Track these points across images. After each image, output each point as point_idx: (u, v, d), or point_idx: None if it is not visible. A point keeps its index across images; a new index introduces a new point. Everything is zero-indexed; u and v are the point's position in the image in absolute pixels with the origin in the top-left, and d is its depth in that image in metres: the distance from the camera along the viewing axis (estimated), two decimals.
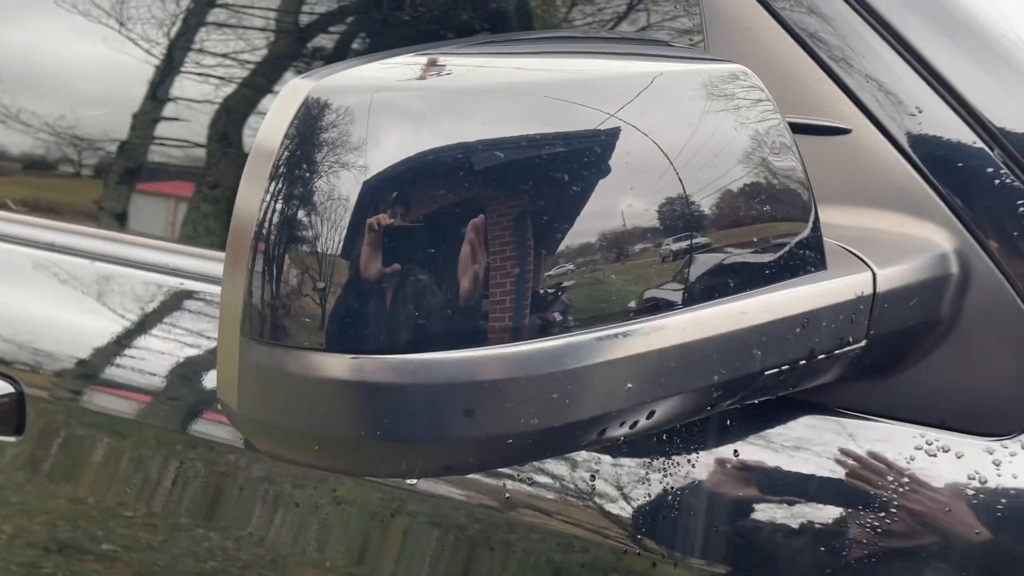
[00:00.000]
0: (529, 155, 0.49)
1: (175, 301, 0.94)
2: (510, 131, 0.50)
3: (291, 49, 1.03)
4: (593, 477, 0.71)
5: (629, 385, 0.49)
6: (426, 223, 0.47)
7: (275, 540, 0.82)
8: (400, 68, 0.51)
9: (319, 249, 0.45)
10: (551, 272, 0.48)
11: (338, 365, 0.44)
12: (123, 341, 0.95)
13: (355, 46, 1.00)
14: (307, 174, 0.47)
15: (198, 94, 1.04)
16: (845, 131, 0.69)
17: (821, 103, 0.69)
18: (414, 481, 0.69)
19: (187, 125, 1.03)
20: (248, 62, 1.02)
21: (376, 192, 0.47)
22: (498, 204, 0.48)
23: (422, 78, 0.51)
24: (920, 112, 0.67)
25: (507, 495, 0.72)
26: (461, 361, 0.45)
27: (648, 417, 0.51)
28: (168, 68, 1.06)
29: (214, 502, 0.86)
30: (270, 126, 0.47)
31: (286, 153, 0.47)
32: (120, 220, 1.06)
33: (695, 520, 0.68)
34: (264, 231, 0.46)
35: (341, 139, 0.47)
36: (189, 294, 0.93)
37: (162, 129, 1.06)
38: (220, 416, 0.87)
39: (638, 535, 0.69)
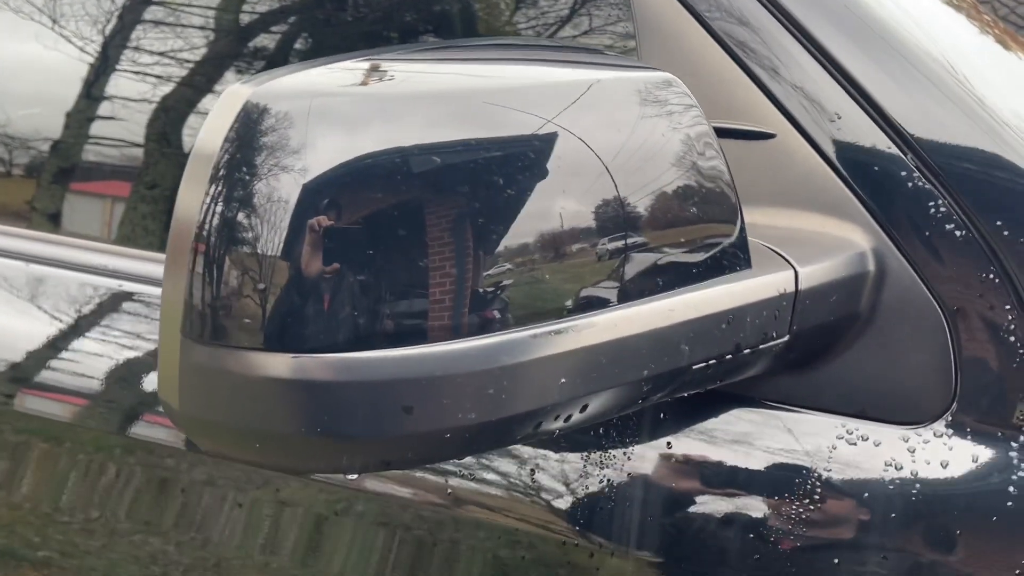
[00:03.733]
0: (466, 158, 0.51)
1: (112, 303, 0.94)
2: (447, 135, 0.52)
3: (231, 48, 1.03)
4: (534, 472, 0.73)
5: (563, 380, 0.51)
6: (364, 224, 0.48)
7: (219, 543, 0.82)
8: (340, 73, 0.53)
9: (259, 250, 0.46)
10: (488, 272, 0.50)
11: (278, 364, 0.45)
12: (58, 343, 0.94)
13: (297, 46, 1.00)
14: (247, 177, 0.48)
15: (135, 93, 1.03)
16: (770, 136, 0.72)
17: (748, 108, 0.72)
18: (354, 476, 0.70)
19: (124, 124, 1.02)
20: (186, 61, 1.02)
21: (315, 194, 0.48)
22: (435, 206, 0.50)
23: (363, 83, 0.52)
24: (839, 118, 0.71)
25: (450, 491, 0.73)
26: (399, 359, 0.46)
27: (582, 411, 0.53)
28: (103, 66, 1.05)
29: (155, 505, 0.86)
30: (210, 131, 0.48)
31: (226, 156, 0.48)
32: (54, 221, 1.04)
33: (631, 511, 0.71)
34: (204, 233, 0.47)
35: (280, 143, 0.48)
36: (127, 295, 0.92)
37: (98, 128, 1.05)
38: (159, 418, 0.87)
39: (578, 527, 0.71)
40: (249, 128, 0.48)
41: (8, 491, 0.94)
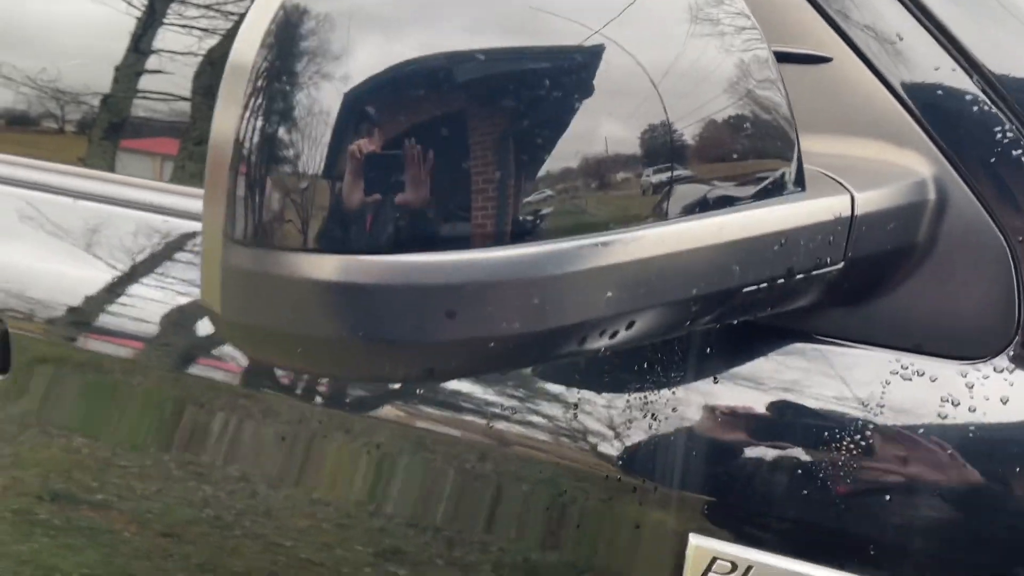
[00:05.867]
0: (513, 67, 0.50)
1: (165, 242, 0.94)
2: (491, 41, 0.50)
3: None
4: (576, 406, 0.72)
5: (609, 294, 0.50)
6: (408, 129, 0.47)
7: (269, 487, 0.83)
8: None
9: (303, 151, 0.46)
10: (535, 181, 0.49)
11: (321, 265, 0.45)
12: (112, 281, 0.94)
13: None
14: (287, 83, 0.47)
15: (181, 46, 1.03)
16: (826, 59, 0.69)
17: (803, 31, 0.70)
18: (397, 385, 0.70)
19: (171, 76, 1.02)
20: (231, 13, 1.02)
21: (359, 98, 0.47)
22: (481, 113, 0.49)
23: None
24: (900, 40, 0.68)
25: (493, 427, 0.73)
26: (444, 263, 0.45)
27: (628, 328, 0.52)
28: (149, 21, 1.05)
29: (208, 450, 0.87)
30: (246, 35, 0.47)
31: (264, 64, 0.47)
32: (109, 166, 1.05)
33: (677, 447, 0.69)
34: (247, 132, 0.46)
35: (321, 48, 0.47)
36: (180, 234, 0.93)
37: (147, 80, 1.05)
38: (214, 361, 0.87)
39: (621, 463, 0.70)
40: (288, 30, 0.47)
41: (66, 437, 0.96)
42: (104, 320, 0.94)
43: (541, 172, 0.49)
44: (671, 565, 0.68)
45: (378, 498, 0.78)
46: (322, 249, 0.45)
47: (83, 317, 0.94)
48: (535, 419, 0.73)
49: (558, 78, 0.51)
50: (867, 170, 0.66)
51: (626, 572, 0.71)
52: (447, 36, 0.49)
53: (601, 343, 0.52)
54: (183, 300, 0.90)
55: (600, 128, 0.52)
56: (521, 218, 0.48)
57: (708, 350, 0.70)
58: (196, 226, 0.91)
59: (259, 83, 0.46)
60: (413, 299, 0.45)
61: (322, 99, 0.46)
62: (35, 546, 1.00)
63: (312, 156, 0.45)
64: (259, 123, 0.46)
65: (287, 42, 0.46)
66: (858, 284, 0.66)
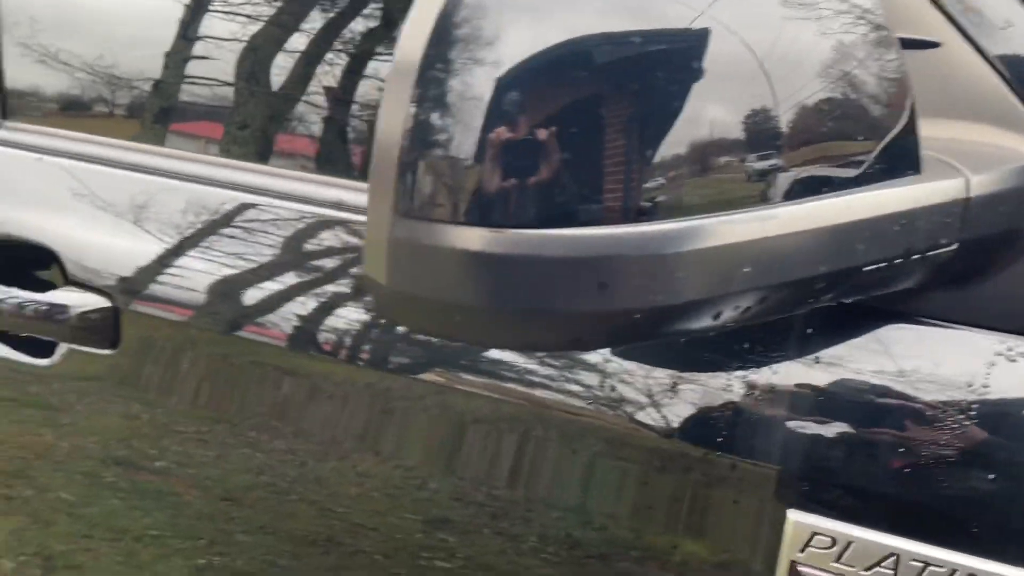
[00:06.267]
0: (658, 45, 0.51)
1: (220, 220, 0.97)
2: (623, 22, 0.52)
3: None
4: (674, 385, 0.74)
5: (746, 269, 0.51)
6: (558, 108, 0.49)
7: (325, 454, 0.86)
8: None
9: (462, 132, 0.48)
10: (679, 157, 0.50)
11: (477, 238, 0.47)
12: (165, 259, 0.97)
13: None
14: (447, 64, 0.49)
15: (227, 32, 1.05)
16: (935, 45, 0.70)
17: (912, 17, 0.70)
18: (542, 354, 0.72)
19: (215, 63, 1.04)
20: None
21: (509, 83, 0.49)
22: (624, 92, 0.50)
23: None
24: (1009, 27, 0.69)
25: (591, 403, 0.75)
26: (599, 237, 0.47)
27: (760, 303, 0.54)
28: (198, 9, 1.07)
29: (267, 418, 0.89)
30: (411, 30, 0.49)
31: (428, 53, 0.49)
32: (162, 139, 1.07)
33: (776, 424, 0.71)
34: (414, 118, 0.48)
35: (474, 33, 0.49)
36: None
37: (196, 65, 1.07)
38: (264, 329, 0.90)
39: (720, 439, 0.72)
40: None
41: (125, 404, 0.99)
42: (200, 298, 0.96)
43: (684, 150, 0.51)
44: (768, 541, 0.69)
45: (425, 468, 0.80)
46: (480, 222, 0.47)
47: (188, 297, 0.97)
48: (628, 395, 0.74)
49: (698, 58, 0.52)
50: (979, 153, 0.67)
51: (721, 548, 0.72)
52: (588, 20, 0.51)
53: (733, 316, 0.54)
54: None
55: (738, 108, 0.53)
56: (661, 193, 0.50)
57: (809, 331, 0.71)
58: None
59: (423, 73, 0.49)
60: (568, 270, 0.47)
61: (475, 84, 0.48)
62: (105, 508, 1.04)
63: (468, 137, 0.48)
64: (423, 110, 0.48)
65: (446, 33, 0.49)
66: (966, 266, 0.67)
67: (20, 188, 1.07)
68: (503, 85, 0.48)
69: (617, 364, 0.75)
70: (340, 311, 0.87)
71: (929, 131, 0.69)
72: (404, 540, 0.83)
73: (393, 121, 0.48)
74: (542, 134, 0.48)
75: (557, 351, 0.71)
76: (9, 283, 1.03)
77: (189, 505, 0.97)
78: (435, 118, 0.48)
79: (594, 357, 0.75)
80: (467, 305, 0.48)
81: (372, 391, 0.83)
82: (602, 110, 0.50)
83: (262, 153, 1.00)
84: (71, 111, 1.12)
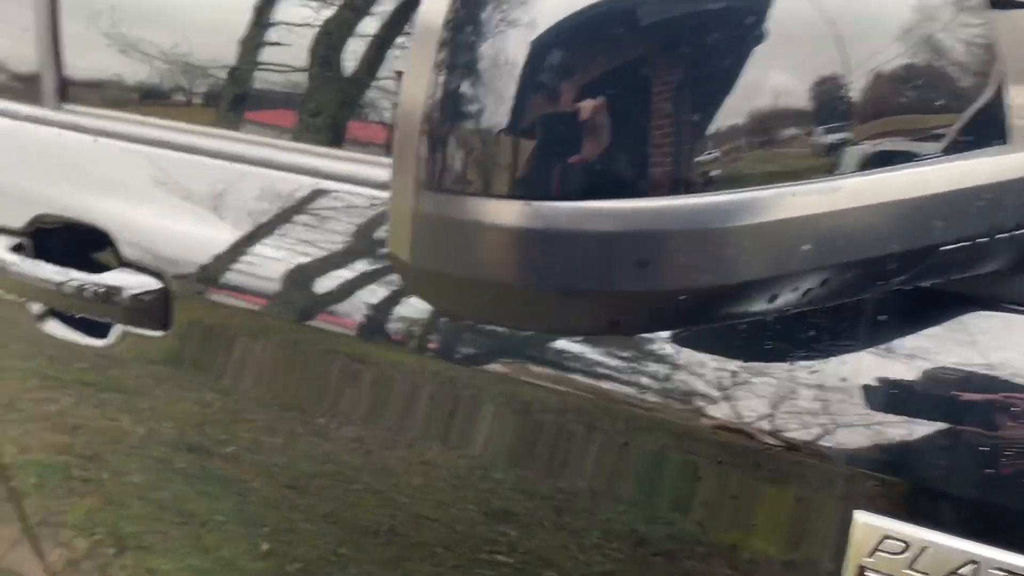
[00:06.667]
0: (704, 6, 0.47)
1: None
2: None
3: None
4: (734, 374, 0.69)
5: (806, 247, 0.47)
6: (596, 74, 0.45)
7: (384, 448, 0.85)
8: None
9: (493, 99, 0.45)
10: (728, 125, 0.46)
11: (510, 211, 0.44)
12: (240, 247, 0.97)
13: None
14: (475, 26, 0.46)
15: (299, 18, 1.04)
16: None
17: None
18: (579, 339, 0.68)
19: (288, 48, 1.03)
20: None
21: (544, 45, 0.45)
22: (668, 56, 0.46)
23: None
24: None
25: (656, 396, 0.71)
26: (636, 211, 0.44)
27: (822, 285, 0.49)
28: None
29: (333, 409, 0.88)
30: None
31: (453, 15, 0.46)
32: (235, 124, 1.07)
33: (844, 419, 0.66)
34: (439, 84, 0.45)
35: None
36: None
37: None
38: (336, 318, 0.89)
39: (785, 432, 0.67)
40: None
41: (198, 390, 0.99)
42: (255, 282, 0.96)
43: (734, 117, 0.46)
44: (833, 543, 0.65)
45: (488, 459, 0.78)
46: (511, 195, 0.44)
47: (237, 279, 0.97)
48: (693, 386, 0.71)
49: (749, 18, 0.48)
50: None
51: (783, 549, 0.68)
52: None
53: (791, 300, 0.49)
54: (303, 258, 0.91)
55: (796, 71, 0.49)
56: (713, 165, 0.45)
57: (881, 317, 0.66)
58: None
59: (450, 37, 0.46)
60: (603, 247, 0.44)
61: (508, 48, 0.45)
62: (174, 492, 1.05)
63: (501, 103, 0.44)
64: (450, 75, 0.45)
65: None
66: None
67: (77, 171, 1.09)
68: (539, 48, 0.45)
69: (678, 353, 0.71)
70: (405, 298, 0.85)
71: (1021, 99, 0.63)
72: (466, 532, 0.82)
73: (417, 89, 0.45)
74: (582, 101, 0.45)
75: (593, 335, 0.67)
76: (66, 265, 1.05)
77: (254, 492, 0.97)
78: (464, 86, 0.45)
79: (660, 347, 0.71)
80: (496, 284, 0.45)
81: (437, 380, 0.81)
82: (648, 75, 0.46)
83: (328, 137, 0.98)
84: (128, 94, 1.13)
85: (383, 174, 0.86)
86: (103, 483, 1.13)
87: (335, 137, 0.98)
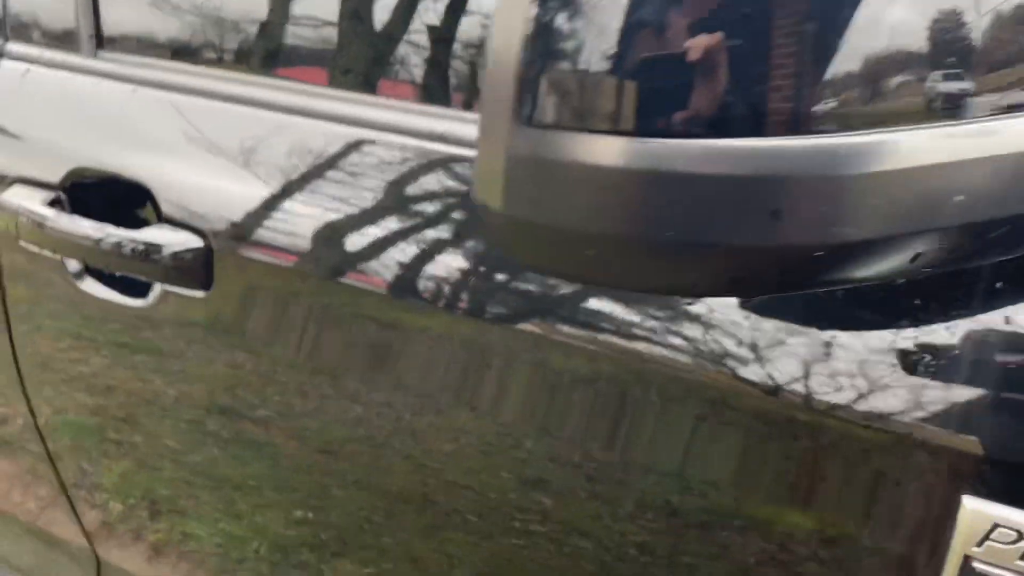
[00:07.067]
0: None
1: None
2: None
3: None
4: (828, 345, 0.63)
5: (960, 197, 0.40)
6: None
7: (415, 413, 0.81)
8: None
9: (602, 16, 0.38)
10: (877, 55, 0.39)
11: (622, 150, 0.37)
12: (271, 203, 0.91)
13: None
14: None
15: None
16: None
17: None
18: (690, 302, 0.62)
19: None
20: None
21: None
22: None
23: None
24: None
25: (733, 370, 0.65)
26: (771, 151, 0.37)
27: (971, 242, 0.42)
28: None
29: (366, 374, 0.84)
30: None
31: None
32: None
33: (953, 395, 0.60)
34: (537, 23, 0.39)
35: None
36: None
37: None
38: (368, 278, 0.84)
39: (881, 411, 0.61)
40: None
41: (231, 354, 0.95)
42: (293, 241, 0.91)
43: (885, 45, 0.40)
44: (938, 530, 0.59)
45: (521, 426, 0.74)
46: (624, 131, 0.37)
47: (284, 239, 0.92)
48: (770, 355, 0.64)
49: None
50: None
51: (882, 536, 0.62)
52: None
53: (936, 260, 0.43)
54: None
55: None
56: (862, 96, 0.39)
57: (999, 284, 0.59)
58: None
59: None
60: (729, 193, 0.37)
61: None
62: (207, 456, 1.01)
63: (606, 40, 0.38)
64: (547, 8, 0.39)
65: None
66: None
67: (114, 121, 1.04)
68: None
69: (755, 319, 0.65)
70: (440, 257, 0.80)
71: None
72: (498, 500, 0.78)
73: (511, 24, 0.38)
74: (695, 30, 0.38)
75: (712, 295, 0.61)
76: (103, 220, 1.01)
77: (287, 456, 0.94)
78: (562, 18, 0.39)
79: (728, 315, 0.65)
80: (600, 235, 0.39)
81: (469, 344, 0.76)
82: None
83: (369, 87, 0.92)
84: (166, 42, 1.07)
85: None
86: (137, 446, 1.10)
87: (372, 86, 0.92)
